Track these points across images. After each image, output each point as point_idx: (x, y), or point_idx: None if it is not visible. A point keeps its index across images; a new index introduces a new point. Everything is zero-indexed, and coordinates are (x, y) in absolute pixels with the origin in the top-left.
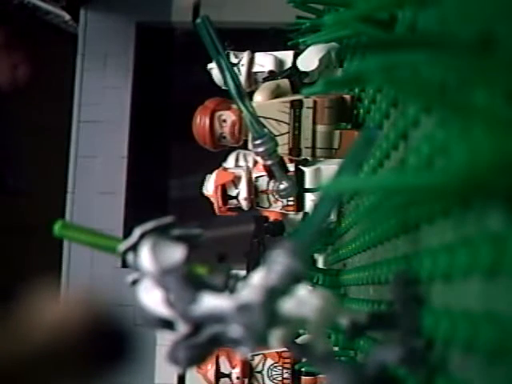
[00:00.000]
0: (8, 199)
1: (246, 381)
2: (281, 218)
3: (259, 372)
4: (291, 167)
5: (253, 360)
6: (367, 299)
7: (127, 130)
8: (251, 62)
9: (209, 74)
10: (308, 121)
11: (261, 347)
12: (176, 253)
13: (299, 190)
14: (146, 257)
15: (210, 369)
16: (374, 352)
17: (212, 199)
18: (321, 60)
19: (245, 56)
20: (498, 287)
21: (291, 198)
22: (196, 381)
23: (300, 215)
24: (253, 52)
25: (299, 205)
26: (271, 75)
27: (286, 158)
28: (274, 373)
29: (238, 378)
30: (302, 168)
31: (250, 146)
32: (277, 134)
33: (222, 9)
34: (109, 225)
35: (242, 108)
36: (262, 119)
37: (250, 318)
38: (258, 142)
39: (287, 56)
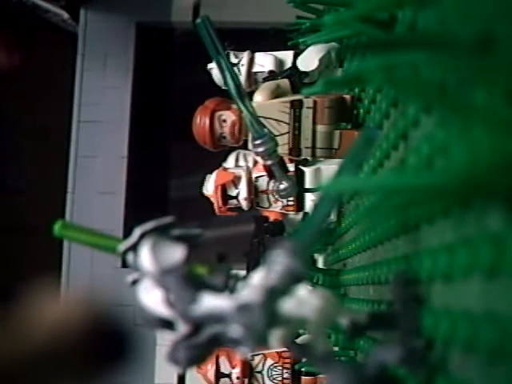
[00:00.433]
0: (8, 199)
1: (246, 381)
2: (281, 217)
3: (259, 372)
4: (291, 167)
5: (253, 360)
6: (367, 299)
7: (127, 130)
8: (251, 62)
9: (209, 74)
10: (308, 121)
11: (261, 347)
12: (176, 253)
13: (299, 190)
14: (146, 257)
15: (210, 369)
16: (374, 352)
17: (212, 199)
18: (321, 60)
19: (245, 56)
20: (498, 287)
21: (291, 198)
22: (196, 381)
23: (300, 215)
24: (253, 52)
25: (299, 205)
26: (271, 75)
27: (285, 158)
28: (274, 373)
29: (238, 377)
30: (302, 168)
31: (250, 145)
32: (277, 134)
33: (222, 9)
34: (109, 225)
35: (242, 108)
36: (262, 119)
37: (250, 318)
38: (257, 141)
39: (287, 56)
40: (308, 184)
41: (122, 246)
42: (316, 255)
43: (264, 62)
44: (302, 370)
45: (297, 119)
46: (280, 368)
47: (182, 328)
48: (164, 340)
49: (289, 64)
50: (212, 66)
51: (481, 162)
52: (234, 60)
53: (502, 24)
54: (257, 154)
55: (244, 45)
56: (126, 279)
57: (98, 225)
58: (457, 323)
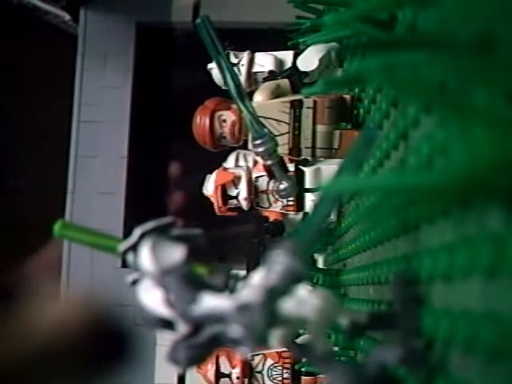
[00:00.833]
0: (8, 199)
1: (246, 381)
2: (281, 217)
3: (259, 372)
4: (291, 167)
5: (253, 360)
6: (367, 299)
7: (127, 130)
8: (251, 62)
9: (209, 74)
10: (308, 121)
11: (261, 347)
12: (176, 253)
13: (299, 190)
14: (146, 257)
15: (210, 369)
16: (374, 352)
17: (212, 199)
18: (321, 60)
19: (245, 56)
20: (498, 287)
21: (291, 198)
22: (196, 381)
23: (300, 215)
24: (253, 52)
25: (299, 205)
26: (271, 75)
27: (285, 158)
28: (274, 373)
29: (238, 377)
30: (302, 168)
31: (250, 145)
32: (277, 134)
33: (222, 9)
34: (109, 225)
35: (242, 108)
36: (262, 119)
37: (250, 318)
38: (258, 142)
39: (287, 56)
40: (308, 184)
41: (122, 246)
42: (316, 255)
43: (264, 61)
44: (302, 370)
45: (297, 119)
46: (280, 368)
47: (182, 328)
48: (164, 340)
49: (289, 64)
50: (212, 66)
51: (481, 162)
52: (234, 60)
53: (502, 24)
54: (257, 154)
55: (244, 45)
56: (126, 279)
57: (97, 225)
58: (457, 323)
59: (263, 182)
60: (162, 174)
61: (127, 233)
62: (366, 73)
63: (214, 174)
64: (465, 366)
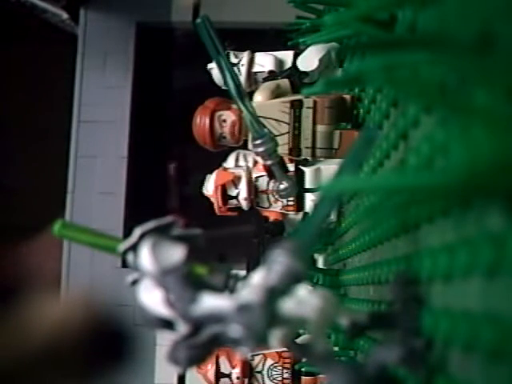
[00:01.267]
0: (7, 199)
1: (246, 381)
2: (281, 218)
3: (259, 372)
4: (291, 167)
5: (253, 360)
6: (367, 299)
7: (127, 130)
8: (251, 62)
9: (209, 74)
10: (308, 121)
11: (261, 347)
12: (176, 253)
13: (299, 190)
14: (146, 257)
15: (209, 369)
16: (374, 352)
17: (212, 199)
18: (321, 60)
19: (245, 56)
20: (498, 287)
21: (291, 198)
22: (196, 381)
23: (300, 215)
24: (253, 52)
25: (299, 205)
26: (271, 75)
27: (285, 158)
28: (274, 373)
29: (238, 377)
30: (302, 168)
31: (250, 145)
32: (277, 134)
33: (222, 9)
34: (109, 225)
35: (242, 108)
36: (262, 119)
37: (250, 318)
38: (258, 142)
39: (287, 56)
40: (308, 184)
41: (122, 246)
42: (316, 255)
43: (264, 62)
44: (302, 370)
45: (297, 119)
46: (280, 368)
47: (182, 328)
48: (164, 340)
49: (289, 64)
50: (212, 66)
51: (481, 162)
52: (234, 60)
53: (501, 24)
54: (257, 153)
55: (244, 45)
56: (126, 279)
57: (97, 225)
58: (457, 323)
59: (263, 182)
60: (162, 173)
61: (127, 233)
62: (366, 73)
63: (214, 174)
64: (465, 366)
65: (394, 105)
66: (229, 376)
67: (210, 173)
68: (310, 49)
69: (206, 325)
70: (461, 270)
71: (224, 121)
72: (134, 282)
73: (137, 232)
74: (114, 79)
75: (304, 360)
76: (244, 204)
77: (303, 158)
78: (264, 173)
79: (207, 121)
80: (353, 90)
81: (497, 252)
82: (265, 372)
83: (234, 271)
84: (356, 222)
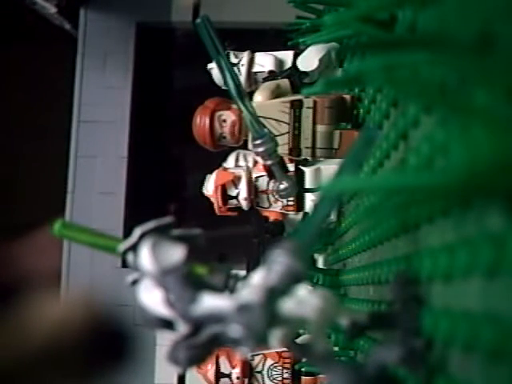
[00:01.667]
0: (6, 199)
1: (246, 381)
2: (281, 218)
3: (259, 372)
4: (291, 167)
5: (253, 360)
6: (367, 299)
7: (127, 130)
8: (251, 62)
9: (209, 73)
10: (308, 121)
11: (261, 347)
12: (176, 253)
13: (299, 190)
14: (145, 257)
15: (209, 369)
16: (374, 352)
17: (212, 199)
18: (321, 60)
19: (245, 56)
20: (498, 287)
21: (291, 198)
22: (196, 381)
23: (300, 215)
24: (253, 52)
25: (299, 205)
26: (271, 75)
27: (285, 158)
28: (274, 373)
29: (238, 378)
30: (302, 168)
31: (250, 145)
32: (277, 134)
33: (222, 9)
34: (109, 225)
35: (242, 108)
36: (262, 119)
37: (249, 318)
38: (257, 141)
39: (287, 56)
40: (308, 184)
41: (122, 246)
42: (316, 255)
43: (264, 62)
44: (302, 369)
45: (297, 119)
46: (280, 368)
47: (182, 328)
48: (164, 340)
49: (289, 64)
50: (212, 66)
51: (481, 162)
52: (234, 60)
53: (501, 24)
54: (257, 153)
55: (244, 45)
56: (126, 279)
57: (97, 225)
58: (457, 323)
59: (263, 182)
60: (162, 173)
61: (127, 233)
62: (366, 73)
63: (214, 174)
64: (465, 366)
65: (394, 105)
66: (229, 376)
67: (210, 173)
68: (310, 49)
69: (206, 325)
70: (461, 269)
71: (224, 121)
72: (134, 282)
73: (137, 232)
74: (114, 79)
75: (304, 360)
76: (244, 204)
77: (303, 157)
78: (264, 173)
79: (207, 121)
80: (353, 90)
81: (497, 252)
82: (265, 372)
83: (234, 271)
84: (356, 222)
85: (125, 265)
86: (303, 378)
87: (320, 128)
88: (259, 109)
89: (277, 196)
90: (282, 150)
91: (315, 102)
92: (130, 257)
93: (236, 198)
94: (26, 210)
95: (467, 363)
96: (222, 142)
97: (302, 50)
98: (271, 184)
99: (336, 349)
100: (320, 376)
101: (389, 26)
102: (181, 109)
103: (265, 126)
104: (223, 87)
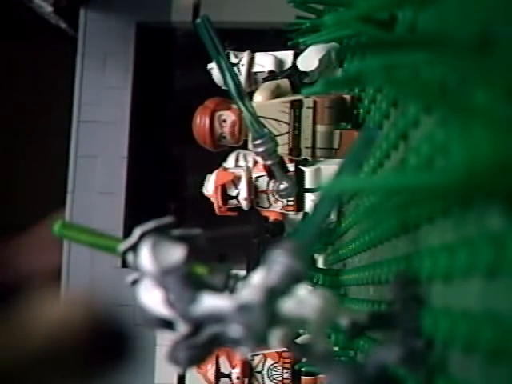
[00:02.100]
0: (6, 199)
1: (246, 381)
2: (281, 218)
3: (259, 372)
4: (291, 167)
5: (253, 360)
6: (367, 299)
7: (127, 130)
8: (251, 62)
9: (209, 73)
10: (308, 121)
11: (261, 347)
12: (176, 253)
13: (299, 190)
14: (145, 257)
15: (209, 369)
16: (374, 352)
17: (212, 199)
18: (321, 60)
19: (245, 56)
20: (498, 287)
21: (291, 198)
22: (196, 381)
23: (300, 215)
24: (253, 52)
25: (299, 205)
26: (271, 75)
27: (285, 158)
28: (274, 373)
29: (238, 378)
30: (302, 168)
31: (250, 146)
32: (277, 134)
33: (222, 9)
34: (109, 225)
35: (242, 108)
36: (262, 119)
37: (249, 318)
38: (257, 142)
39: (287, 56)
40: (308, 184)
41: (122, 246)
42: (316, 255)
43: (264, 61)
44: (302, 369)
45: (297, 119)
46: (280, 368)
47: (182, 328)
48: (164, 340)
49: (289, 64)
50: (212, 66)
51: (481, 162)
52: (234, 60)
53: (501, 24)
54: (257, 154)
55: (244, 45)
56: (126, 279)
57: (98, 225)
58: (457, 323)
59: (263, 182)
60: (162, 174)
61: (127, 233)
62: (366, 73)
63: (214, 174)
64: (465, 366)
65: (394, 105)
66: (229, 376)
67: (210, 173)
68: (310, 49)
69: (206, 325)
70: (461, 269)
71: (224, 121)
72: (134, 282)
73: (137, 232)
74: (114, 79)
75: (304, 360)
76: (244, 204)
77: (303, 158)
78: (264, 173)
79: (207, 121)
80: (353, 90)
81: (497, 252)
82: (265, 372)
83: (234, 271)
84: (356, 222)
85: (125, 265)
86: (303, 377)
87: (320, 128)
88: (259, 109)
89: (277, 196)
90: (282, 150)
91: (315, 102)
92: (129, 257)
93: (236, 198)
94: (25, 210)
95: (467, 363)
96: (222, 142)
97: (302, 50)
98: (271, 184)
99: (336, 349)
100: (320, 376)
101: (389, 26)
102: (181, 109)
103: (265, 126)
104: (223, 87)
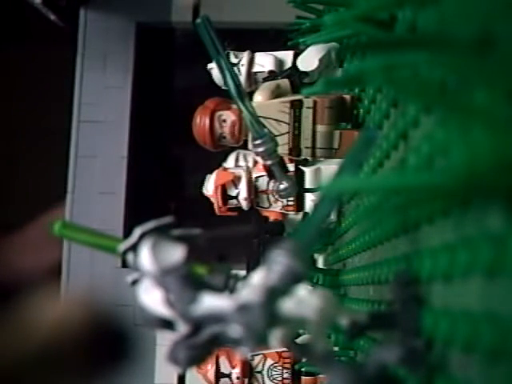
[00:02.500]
0: (6, 199)
1: (246, 381)
2: (281, 218)
3: (259, 372)
4: (291, 167)
5: (253, 360)
6: (367, 299)
7: (127, 130)
8: (251, 62)
9: (209, 74)
10: (308, 121)
11: (261, 347)
12: (176, 253)
13: (299, 190)
14: (145, 257)
15: (209, 369)
16: (374, 352)
17: (212, 199)
18: (321, 60)
19: (245, 56)
20: (498, 287)
21: (291, 198)
22: (196, 381)
23: (300, 215)
24: (253, 52)
25: (299, 205)
26: (271, 75)
27: (285, 158)
28: (274, 373)
29: (238, 378)
30: (302, 168)
31: (250, 146)
32: (277, 134)
33: (222, 9)
34: (109, 225)
35: (242, 108)
36: (262, 119)
37: (249, 317)
38: (257, 142)
39: (287, 56)
40: (308, 184)
41: (122, 246)
42: (316, 255)
43: (264, 61)
44: (302, 369)
45: (297, 119)
46: (280, 368)
47: (182, 328)
48: (164, 340)
49: (289, 64)
50: (212, 66)
51: (481, 162)
52: (234, 60)
53: (501, 24)
54: (257, 154)
55: (244, 45)
56: (126, 279)
57: (97, 225)
58: (457, 323)
59: (263, 182)
60: (162, 174)
61: (127, 233)
62: (366, 73)
63: (214, 174)
64: (465, 366)
65: (394, 105)
66: (229, 376)
67: (210, 173)
68: (310, 49)
69: (206, 325)
70: (461, 269)
71: (224, 121)
72: (134, 282)
73: (137, 232)
74: (114, 79)
75: (304, 360)
76: (244, 204)
77: (303, 158)
78: (264, 173)
79: (207, 121)
80: (353, 90)
81: (497, 252)
82: (265, 372)
83: (234, 271)
84: (356, 222)
85: (125, 265)
86: (303, 377)
87: (320, 128)
88: (259, 109)
89: (277, 196)
90: (282, 150)
91: (315, 102)
92: (130, 257)
93: (236, 198)
94: (25, 210)
95: (467, 363)
96: (222, 142)
97: (302, 50)
98: (271, 184)
99: (336, 349)
100: (320, 376)
101: (389, 26)
102: (181, 109)
103: (265, 126)
104: (223, 87)
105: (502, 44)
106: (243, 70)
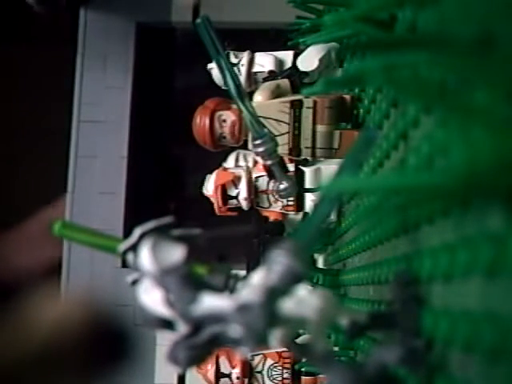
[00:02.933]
0: (6, 199)
1: (246, 381)
2: (281, 218)
3: (259, 372)
4: (291, 167)
5: (253, 360)
6: (367, 299)
7: (127, 130)
8: (251, 62)
9: (209, 74)
10: (308, 121)
11: (261, 347)
12: (176, 253)
13: (299, 190)
14: (145, 257)
15: (209, 369)
16: (374, 352)
17: (212, 199)
18: (321, 60)
19: (245, 56)
20: (498, 287)
21: (291, 198)
22: (196, 381)
23: (300, 215)
24: (253, 52)
25: (299, 205)
26: (271, 75)
27: (285, 158)
28: (274, 373)
29: (238, 378)
30: (302, 168)
31: (250, 146)
32: (277, 134)
33: (222, 9)
34: (109, 225)
35: (242, 108)
36: (262, 119)
37: (249, 317)
38: (257, 142)
39: (287, 56)
40: (308, 184)
41: (122, 246)
42: (316, 255)
43: (264, 62)
44: (302, 369)
45: (297, 119)
46: (280, 368)
47: (182, 328)
48: (164, 340)
49: (289, 64)
50: (212, 66)
51: (481, 162)
52: (233, 60)
53: (502, 24)
54: (257, 154)
55: (244, 45)
56: (126, 279)
57: (97, 225)
58: (457, 323)
59: (263, 182)
60: (162, 174)
61: (127, 233)
62: (366, 73)
63: (214, 174)
64: (465, 366)
65: (394, 105)
66: (229, 376)
67: (210, 173)
68: (310, 49)
69: (206, 325)
70: (461, 269)
71: (224, 121)
72: (134, 282)
73: (137, 232)
74: (114, 79)
75: (304, 360)
76: (244, 204)
77: (303, 157)
78: (264, 173)
79: (207, 121)
80: (353, 90)
81: (497, 252)
82: (265, 372)
83: (234, 271)
84: (356, 222)
85: (125, 265)
86: (303, 377)
87: (320, 128)
88: (259, 109)
89: (277, 196)
90: (282, 149)
91: (315, 102)
92: (130, 257)
93: (236, 198)
94: (26, 210)
95: (467, 363)
96: (222, 142)
97: (302, 50)
98: (271, 184)
99: (336, 349)
100: (320, 376)
101: (389, 26)
102: (181, 109)
103: (265, 126)
104: (223, 87)
105: (502, 44)
106: (243, 69)
